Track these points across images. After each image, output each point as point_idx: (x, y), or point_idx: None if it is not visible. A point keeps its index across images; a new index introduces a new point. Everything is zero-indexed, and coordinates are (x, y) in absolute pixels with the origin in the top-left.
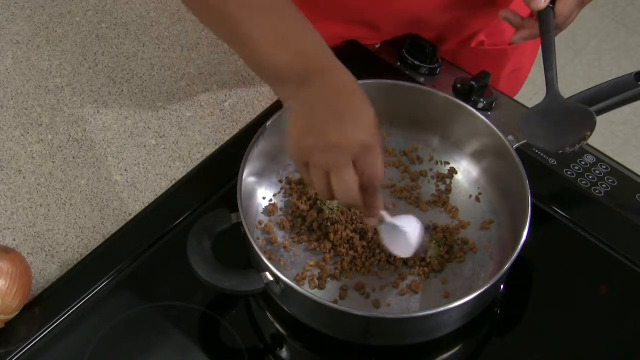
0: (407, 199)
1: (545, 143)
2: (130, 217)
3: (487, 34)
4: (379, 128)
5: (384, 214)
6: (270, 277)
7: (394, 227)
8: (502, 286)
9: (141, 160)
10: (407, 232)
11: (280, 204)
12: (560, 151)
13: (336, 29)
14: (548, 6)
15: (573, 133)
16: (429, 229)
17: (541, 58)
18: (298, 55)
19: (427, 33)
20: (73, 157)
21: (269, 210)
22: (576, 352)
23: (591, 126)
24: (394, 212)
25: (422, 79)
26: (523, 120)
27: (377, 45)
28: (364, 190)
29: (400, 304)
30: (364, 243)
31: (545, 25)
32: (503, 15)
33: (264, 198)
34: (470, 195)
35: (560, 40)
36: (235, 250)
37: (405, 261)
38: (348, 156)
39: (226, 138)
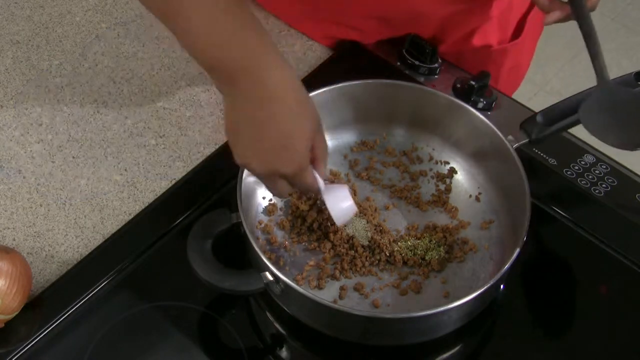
0: (407, 199)
1: (615, 140)
2: (130, 217)
3: (485, 32)
4: (306, 148)
5: (320, 184)
6: (270, 277)
7: (326, 200)
8: (502, 286)
9: (141, 160)
10: (330, 209)
11: (280, 204)
12: (637, 149)
13: (328, 29)
14: None
15: (638, 126)
16: (429, 229)
17: (541, 58)
18: (229, 52)
19: (426, 30)
20: (73, 157)
21: (269, 210)
22: (576, 352)
23: None
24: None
25: (422, 79)
26: (583, 116)
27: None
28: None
29: (400, 304)
30: (364, 243)
31: (580, 12)
32: None
33: (264, 198)
34: (470, 195)
35: (560, 40)
36: (235, 250)
37: (405, 261)
38: (274, 179)
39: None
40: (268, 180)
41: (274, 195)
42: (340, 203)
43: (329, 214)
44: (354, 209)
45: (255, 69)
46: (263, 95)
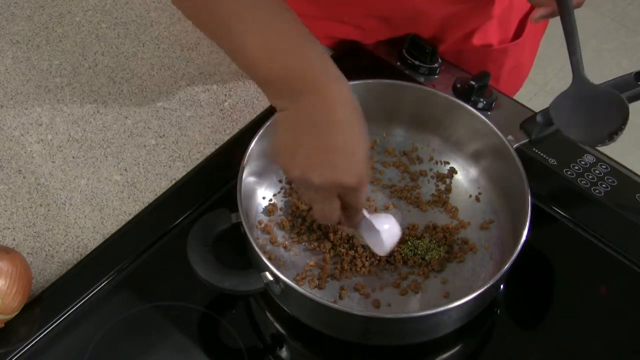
0: (407, 199)
1: (580, 135)
2: (130, 217)
3: (486, 32)
4: (367, 161)
5: (364, 212)
6: (270, 277)
7: (371, 226)
8: (502, 286)
9: (141, 160)
10: (380, 232)
11: (280, 204)
12: (599, 145)
13: (328, 29)
14: None
15: (606, 123)
16: (429, 229)
17: (541, 58)
18: (290, 65)
19: (426, 29)
20: (73, 157)
21: (269, 210)
22: (576, 352)
23: (624, 114)
24: (388, 211)
25: (422, 79)
26: (554, 109)
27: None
28: (344, 210)
29: (400, 304)
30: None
31: (564, 7)
32: None
33: (264, 198)
34: (470, 195)
35: (561, 40)
36: (235, 250)
37: (405, 261)
38: (329, 195)
39: (226, 138)
40: (322, 197)
41: (319, 220)
42: (388, 231)
43: (376, 240)
44: (400, 235)
45: (315, 78)
46: (325, 105)
